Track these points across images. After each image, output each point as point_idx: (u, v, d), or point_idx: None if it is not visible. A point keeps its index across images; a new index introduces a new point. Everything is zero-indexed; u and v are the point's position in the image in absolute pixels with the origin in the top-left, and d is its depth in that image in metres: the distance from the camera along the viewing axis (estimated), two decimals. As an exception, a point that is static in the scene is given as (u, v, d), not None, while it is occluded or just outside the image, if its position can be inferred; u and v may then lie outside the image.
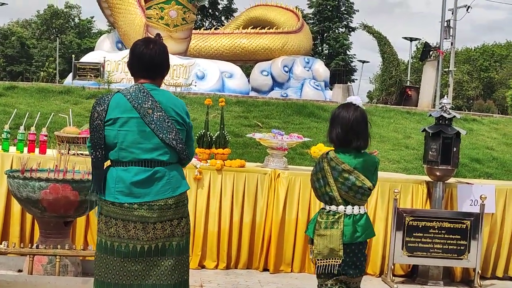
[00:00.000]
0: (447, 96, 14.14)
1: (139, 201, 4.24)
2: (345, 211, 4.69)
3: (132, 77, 4.52)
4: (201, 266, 7.73)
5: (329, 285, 4.73)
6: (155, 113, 4.25)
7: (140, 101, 4.26)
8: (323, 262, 4.68)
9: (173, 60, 23.14)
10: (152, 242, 4.28)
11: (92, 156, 4.34)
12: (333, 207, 4.72)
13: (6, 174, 6.37)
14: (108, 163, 4.42)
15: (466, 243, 7.78)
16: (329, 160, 4.72)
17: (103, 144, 4.29)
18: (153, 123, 4.24)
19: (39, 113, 8.69)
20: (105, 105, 4.28)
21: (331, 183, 4.69)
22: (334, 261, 4.66)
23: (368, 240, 4.87)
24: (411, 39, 44.15)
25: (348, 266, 4.69)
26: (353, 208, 4.71)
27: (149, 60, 4.38)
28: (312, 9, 57.27)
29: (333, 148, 4.83)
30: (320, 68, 27.95)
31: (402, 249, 7.73)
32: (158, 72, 4.46)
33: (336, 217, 4.68)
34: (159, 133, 4.25)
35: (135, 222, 4.24)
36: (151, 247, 4.28)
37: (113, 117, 4.26)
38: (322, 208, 4.82)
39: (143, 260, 4.28)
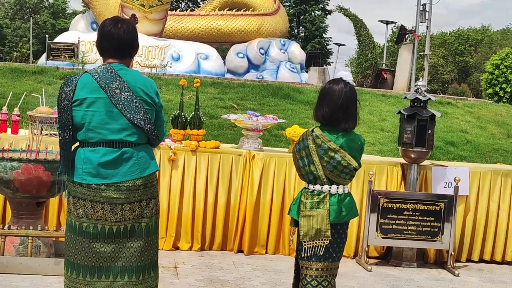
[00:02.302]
0: (422, 79, 14.19)
1: (107, 182, 4.20)
2: (329, 190, 4.58)
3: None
4: (175, 247, 7.70)
5: (313, 276, 4.61)
6: (122, 93, 4.20)
7: (107, 81, 4.20)
8: (310, 243, 4.56)
9: (149, 41, 22.99)
10: (120, 223, 4.24)
11: (60, 137, 4.29)
12: (317, 187, 4.60)
13: (-23, 154, 6.29)
14: (77, 144, 4.37)
15: (440, 225, 7.83)
16: (314, 138, 4.57)
17: (71, 125, 4.23)
18: (120, 103, 4.19)
19: (11, 93, 8.58)
20: (72, 86, 4.21)
21: (316, 162, 4.56)
22: (321, 242, 4.54)
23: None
24: (387, 22, 44.03)
25: (333, 248, 4.59)
26: (337, 188, 4.59)
27: (117, 40, 4.30)
28: (289, -9, 57.11)
29: (318, 125, 4.67)
30: (296, 51, 27.92)
31: (377, 231, 7.76)
32: (126, 52, 4.38)
33: (321, 196, 4.56)
34: (126, 114, 4.20)
35: (103, 203, 4.20)
36: (120, 229, 4.25)
37: (80, 98, 4.20)
38: (305, 188, 4.70)
39: (112, 241, 4.25)
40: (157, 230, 4.47)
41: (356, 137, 4.65)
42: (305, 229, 4.57)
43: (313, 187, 4.62)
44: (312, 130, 4.63)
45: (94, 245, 4.23)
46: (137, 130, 4.25)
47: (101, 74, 4.22)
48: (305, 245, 4.58)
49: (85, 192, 4.22)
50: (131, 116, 4.20)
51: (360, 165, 4.66)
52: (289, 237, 4.84)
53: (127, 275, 4.27)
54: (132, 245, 4.29)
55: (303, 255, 4.63)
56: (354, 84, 4.74)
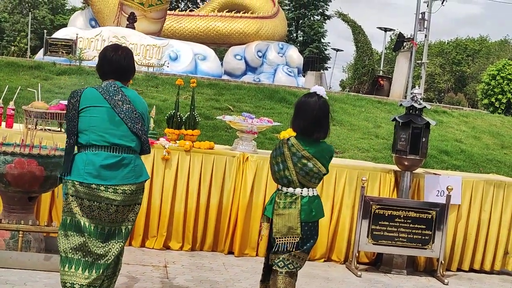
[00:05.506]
0: (419, 87, 14.18)
1: (106, 184, 4.57)
2: (301, 193, 5.02)
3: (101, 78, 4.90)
4: (166, 247, 7.69)
5: (281, 258, 5.01)
6: (124, 105, 4.66)
7: (111, 94, 4.66)
8: (282, 240, 5.01)
9: (147, 40, 22.97)
10: (111, 224, 4.64)
11: (66, 144, 4.65)
12: (290, 189, 5.04)
13: (-29, 146, 6.28)
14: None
15: (431, 233, 7.84)
16: (290, 146, 5.02)
17: (76, 131, 4.64)
18: (122, 113, 4.64)
19: (7, 87, 8.55)
20: (78, 97, 4.65)
21: (290, 168, 5.00)
22: (293, 239, 5.00)
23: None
24: (385, 30, 44.19)
25: (302, 242, 5.02)
26: (308, 190, 5.05)
27: (117, 64, 4.79)
28: (288, -5, 57.12)
29: (294, 134, 5.13)
30: (294, 55, 27.98)
31: (368, 237, 7.76)
32: (125, 75, 4.86)
33: (293, 198, 5.02)
34: (127, 122, 4.65)
35: (100, 202, 4.58)
36: (110, 230, 4.66)
37: (85, 106, 4.64)
38: (279, 190, 5.13)
39: (102, 241, 4.62)
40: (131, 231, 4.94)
41: (326, 147, 5.13)
42: (277, 226, 5.04)
43: (287, 189, 5.07)
44: (288, 139, 5.09)
45: (87, 242, 4.59)
46: (135, 138, 4.71)
47: (105, 88, 4.71)
48: (277, 241, 5.04)
49: (84, 191, 4.58)
50: (131, 125, 4.66)
51: (328, 171, 5.15)
52: (260, 232, 5.29)
53: (102, 269, 4.63)
54: (113, 246, 4.68)
55: (275, 250, 5.07)
56: (327, 98, 5.18)
